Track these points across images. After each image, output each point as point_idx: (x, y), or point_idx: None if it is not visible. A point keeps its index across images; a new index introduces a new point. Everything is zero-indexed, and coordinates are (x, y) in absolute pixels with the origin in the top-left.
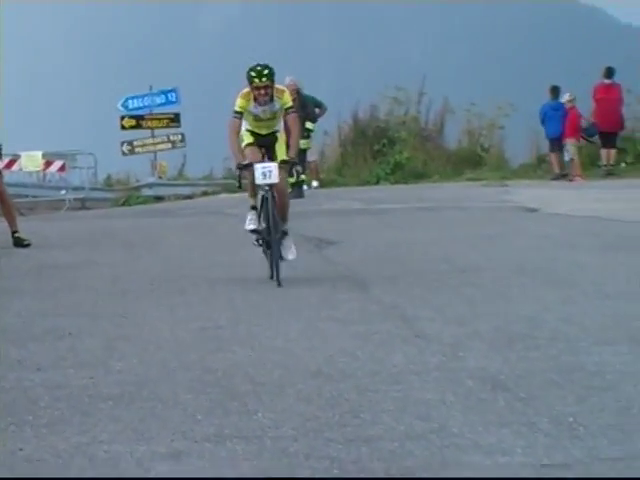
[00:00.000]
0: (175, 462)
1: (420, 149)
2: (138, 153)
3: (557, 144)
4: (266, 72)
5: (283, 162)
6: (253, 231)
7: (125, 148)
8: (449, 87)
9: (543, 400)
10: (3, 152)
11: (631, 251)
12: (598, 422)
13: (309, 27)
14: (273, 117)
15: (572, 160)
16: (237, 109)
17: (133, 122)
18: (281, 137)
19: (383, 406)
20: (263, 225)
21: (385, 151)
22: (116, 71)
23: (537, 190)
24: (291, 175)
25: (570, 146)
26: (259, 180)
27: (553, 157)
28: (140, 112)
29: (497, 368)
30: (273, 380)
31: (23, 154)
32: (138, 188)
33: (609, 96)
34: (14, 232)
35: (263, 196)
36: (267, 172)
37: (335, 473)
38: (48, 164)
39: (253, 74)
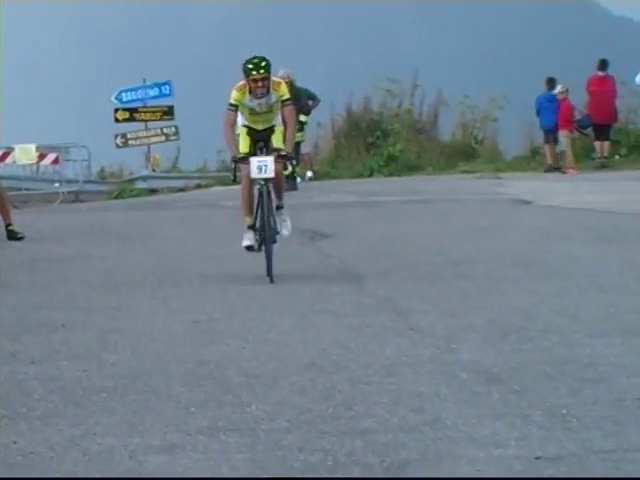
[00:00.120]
0: (169, 455)
1: (414, 141)
2: (132, 146)
3: (552, 136)
4: (263, 64)
5: (280, 157)
6: (249, 248)
7: (119, 141)
8: (443, 79)
9: (536, 392)
10: None
11: (624, 243)
12: (591, 414)
13: (303, 20)
14: (270, 111)
15: (564, 152)
16: (232, 102)
17: (127, 115)
18: (278, 129)
19: (377, 398)
20: (258, 222)
21: (379, 143)
22: (110, 64)
23: (531, 182)
24: (285, 168)
25: (563, 138)
26: (254, 174)
27: (547, 148)
28: (134, 105)
29: (491, 360)
30: (267, 372)
31: (17, 147)
32: (132, 181)
33: (603, 88)
34: (8, 225)
35: (259, 190)
36: (263, 166)
37: (329, 465)
38: (42, 157)
39: (250, 66)
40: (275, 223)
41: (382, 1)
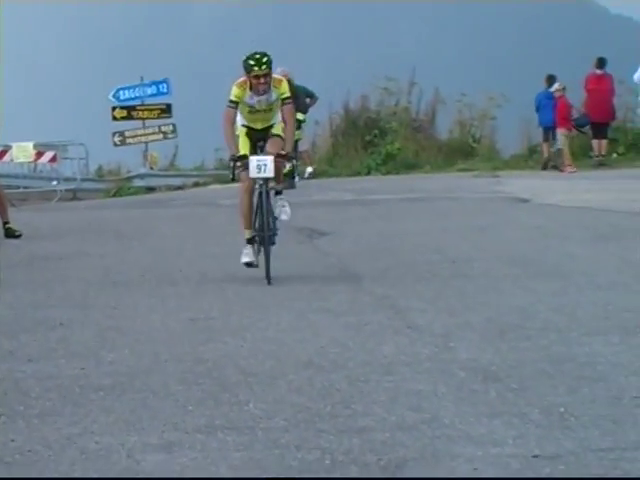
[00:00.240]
0: (166, 453)
1: (411, 140)
2: (129, 144)
3: (551, 133)
4: (265, 60)
5: (280, 156)
6: (249, 264)
7: (116, 139)
8: (440, 77)
9: (534, 391)
10: None
11: (622, 242)
12: (589, 413)
13: (300, 18)
14: (269, 109)
15: (560, 150)
16: (233, 98)
17: (124, 113)
18: (277, 125)
19: (374, 397)
20: (258, 222)
21: (376, 142)
22: (107, 62)
23: (528, 181)
24: (285, 168)
25: (560, 136)
26: (253, 173)
27: (545, 146)
28: (131, 103)
29: (488, 359)
30: (264, 371)
31: (14, 145)
32: (129, 179)
33: (600, 87)
34: (5, 223)
35: (258, 190)
36: (262, 165)
37: (326, 464)
38: (39, 155)
39: (252, 62)
40: (275, 224)
41: (380, 0)
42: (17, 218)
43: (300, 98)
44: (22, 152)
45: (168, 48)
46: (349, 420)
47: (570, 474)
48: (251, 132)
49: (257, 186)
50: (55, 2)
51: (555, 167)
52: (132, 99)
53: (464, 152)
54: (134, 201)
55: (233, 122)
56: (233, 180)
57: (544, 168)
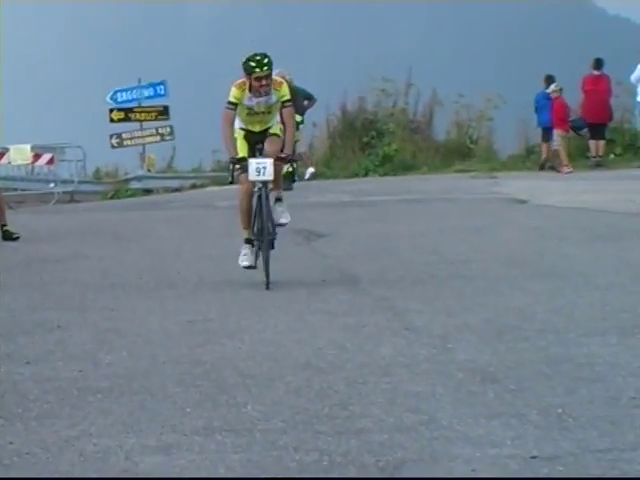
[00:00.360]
0: (165, 455)
1: (409, 141)
2: (127, 146)
3: (549, 134)
4: (266, 61)
5: (279, 159)
6: (249, 268)
7: (114, 141)
8: (438, 79)
9: (532, 392)
10: None
11: (620, 242)
12: (587, 413)
13: (297, 19)
14: (268, 111)
15: (557, 150)
16: (232, 99)
17: (122, 115)
18: (276, 125)
19: (372, 398)
20: (256, 226)
21: (374, 143)
22: (105, 64)
23: (526, 181)
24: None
25: (556, 136)
26: (253, 176)
27: (544, 147)
28: (129, 105)
29: (486, 360)
30: (262, 373)
31: (12, 147)
32: (127, 181)
33: (598, 87)
34: (3, 225)
35: (257, 194)
36: (261, 169)
37: (324, 465)
38: (37, 157)
39: (253, 64)
40: (274, 228)
41: (376, 0)
42: (15, 220)
43: (298, 100)
44: (19, 154)
45: (165, 50)
46: (347, 421)
47: (568, 475)
48: (249, 135)
49: (256, 189)
50: (52, 4)
51: (552, 168)
52: (129, 101)
53: (461, 153)
54: (132, 203)
55: (232, 124)
56: (232, 183)
57: (542, 168)
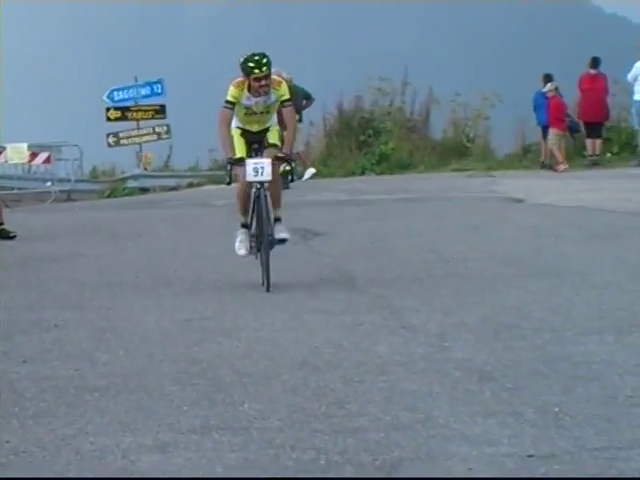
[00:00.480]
0: (161, 454)
1: (405, 140)
2: (124, 145)
3: (548, 132)
4: (265, 61)
5: (278, 158)
6: (245, 255)
7: (111, 140)
8: (434, 77)
9: (529, 390)
10: None
11: (617, 241)
12: (584, 412)
13: (294, 18)
14: (267, 111)
15: (552, 149)
16: (229, 99)
17: (118, 114)
18: (273, 128)
19: (369, 397)
20: (254, 227)
21: (370, 142)
22: (101, 62)
23: (523, 180)
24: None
25: (551, 135)
26: (250, 177)
27: (544, 145)
28: (125, 104)
29: (483, 358)
30: (259, 371)
31: (8, 146)
32: (124, 180)
33: (594, 86)
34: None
35: (255, 194)
36: (259, 168)
37: (321, 464)
38: (33, 156)
39: (252, 65)
40: (272, 229)
41: (373, 0)
42: (11, 219)
43: (297, 99)
44: (16, 153)
45: (162, 48)
46: (344, 420)
47: (565, 473)
48: (246, 133)
49: (254, 190)
50: (49, 3)
51: (550, 167)
52: (126, 100)
53: (458, 152)
54: (128, 202)
55: (229, 123)
56: (230, 184)
57: (543, 167)
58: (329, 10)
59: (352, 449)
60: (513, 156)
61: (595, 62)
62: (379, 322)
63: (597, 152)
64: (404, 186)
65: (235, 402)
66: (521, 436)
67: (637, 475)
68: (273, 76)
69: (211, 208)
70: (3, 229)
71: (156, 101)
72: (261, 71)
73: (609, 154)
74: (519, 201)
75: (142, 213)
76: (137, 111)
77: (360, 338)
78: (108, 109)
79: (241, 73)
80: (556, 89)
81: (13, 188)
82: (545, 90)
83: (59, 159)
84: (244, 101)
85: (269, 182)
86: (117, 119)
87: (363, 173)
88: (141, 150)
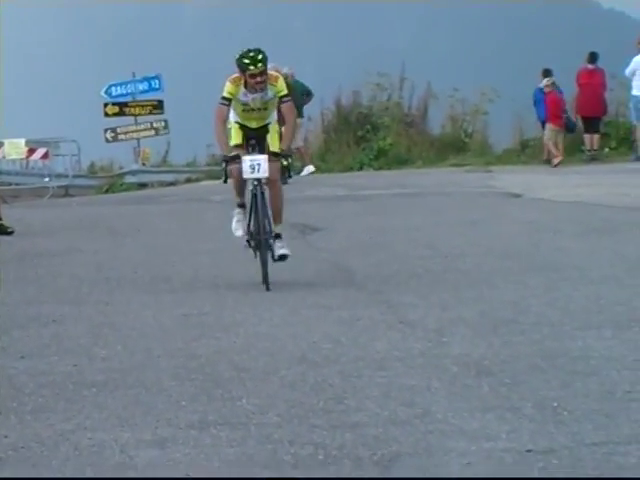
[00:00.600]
0: (160, 449)
1: (403, 135)
2: (121, 140)
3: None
4: (260, 57)
5: (274, 154)
6: (242, 237)
7: (108, 135)
8: (432, 72)
9: (527, 385)
10: None
11: (615, 236)
12: (582, 407)
13: (293, 13)
14: (265, 107)
15: (547, 144)
16: (225, 95)
17: (116, 109)
18: (273, 128)
19: (367, 392)
20: (252, 225)
21: (368, 137)
22: (99, 58)
23: (521, 175)
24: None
25: (547, 130)
26: (247, 174)
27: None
28: (123, 99)
29: (481, 353)
30: (257, 366)
31: (6, 142)
32: (122, 175)
33: (592, 81)
34: None
35: (252, 192)
36: (256, 165)
37: (320, 459)
38: (31, 151)
39: (247, 61)
40: (270, 226)
41: None
42: (9, 215)
43: (297, 95)
44: (14, 149)
45: (160, 44)
46: (342, 415)
47: (563, 468)
48: (245, 129)
49: (251, 187)
50: None
51: (548, 161)
52: (124, 95)
53: (456, 147)
54: (126, 197)
55: (225, 120)
56: (225, 182)
57: (545, 162)
58: (327, 5)
59: (350, 444)
60: (511, 151)
61: (593, 57)
62: (377, 317)
63: (595, 147)
64: (402, 181)
65: (233, 397)
66: (519, 431)
67: (635, 470)
68: (270, 71)
69: (209, 203)
70: (1, 224)
71: (154, 96)
72: (256, 67)
73: (607, 149)
74: (517, 196)
75: (140, 208)
76: (135, 106)
77: (358, 333)
78: (106, 104)
79: (237, 69)
80: (553, 84)
81: (11, 184)
82: (541, 85)
83: (57, 155)
84: (241, 97)
85: (267, 179)
86: (115, 114)
87: (361, 168)
88: (139, 145)
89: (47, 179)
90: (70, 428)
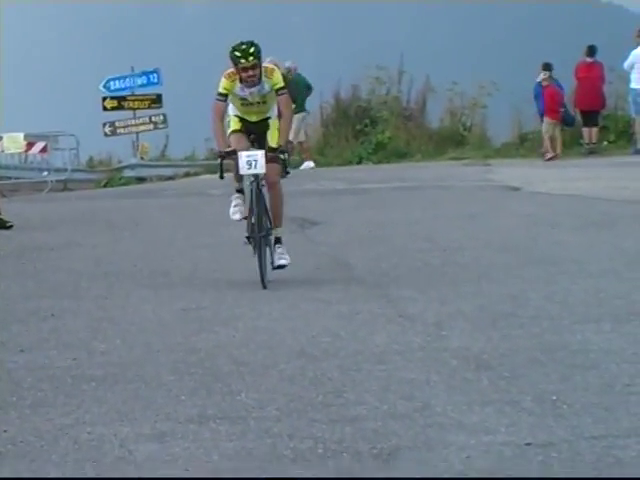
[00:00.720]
0: (159, 443)
1: (402, 129)
2: (120, 134)
3: None
4: (252, 50)
5: (270, 150)
6: (240, 220)
7: (107, 129)
8: (431, 66)
9: (527, 379)
10: None
11: (614, 229)
12: (582, 400)
13: (292, 7)
14: (263, 101)
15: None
16: (221, 91)
17: (115, 103)
18: (273, 124)
19: (366, 386)
20: (251, 222)
21: (367, 131)
22: (98, 52)
23: (519, 169)
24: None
25: (544, 124)
26: (243, 170)
27: None
28: (122, 93)
29: (480, 347)
30: (256, 360)
31: (4, 136)
32: (120, 169)
33: (591, 74)
34: None
35: (249, 188)
36: (252, 161)
37: (319, 453)
38: (30, 145)
39: (238, 54)
40: (270, 223)
41: None
42: (8, 209)
43: (300, 90)
44: (13, 143)
45: (159, 38)
46: (341, 409)
47: (563, 462)
48: (245, 122)
49: (248, 183)
50: None
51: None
52: (122, 89)
53: (455, 141)
54: (125, 191)
55: (222, 117)
56: (222, 179)
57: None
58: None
59: (349, 438)
60: (510, 145)
61: (591, 50)
62: (376, 311)
63: (594, 140)
64: (401, 175)
65: (233, 391)
66: (518, 424)
67: (634, 463)
68: (266, 65)
69: (208, 197)
70: (0, 219)
71: (153, 90)
72: (247, 61)
73: (606, 142)
74: (516, 189)
75: (139, 202)
76: (134, 100)
77: (357, 327)
78: (104, 98)
79: (231, 63)
80: (550, 78)
81: (10, 178)
82: (538, 80)
83: (56, 149)
84: (238, 92)
85: (266, 181)
86: (113, 108)
87: (360, 162)
88: (138, 140)
89: (46, 173)
90: (69, 422)
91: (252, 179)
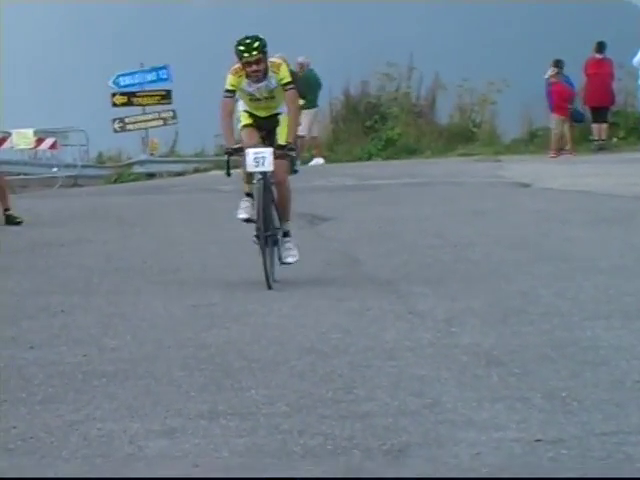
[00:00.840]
0: (169, 439)
1: (412, 125)
2: (130, 130)
3: None
4: (256, 44)
5: (279, 147)
6: (247, 220)
7: (117, 125)
8: (441, 62)
9: (537, 375)
10: None
11: (624, 226)
12: (592, 397)
13: (300, 3)
14: (271, 97)
15: (556, 134)
16: (228, 87)
17: (124, 99)
18: (284, 120)
19: (377, 382)
20: (258, 222)
21: (377, 127)
22: (107, 48)
23: (529, 165)
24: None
25: (552, 121)
26: (251, 167)
27: None
28: (131, 89)
29: (491, 343)
30: (267, 357)
31: (14, 132)
32: (130, 165)
33: (600, 71)
34: (6, 210)
35: (257, 187)
36: (260, 159)
37: (329, 449)
38: (39, 142)
39: (242, 48)
40: (280, 222)
41: None
42: (18, 205)
43: (312, 86)
44: (22, 139)
45: (168, 34)
46: (351, 405)
47: (573, 458)
48: (255, 117)
49: (255, 181)
50: None
51: (562, 150)
52: (132, 85)
53: (464, 137)
54: (135, 187)
55: (230, 113)
56: (229, 176)
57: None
58: None
59: (360, 434)
60: (520, 141)
61: (601, 47)
62: (386, 307)
63: (603, 137)
64: (411, 171)
65: (243, 388)
66: (529, 421)
67: None
68: (272, 59)
69: (218, 193)
70: (10, 215)
71: (162, 86)
72: (251, 55)
73: (615, 139)
74: (526, 186)
75: (149, 199)
76: (143, 96)
77: (367, 323)
78: (114, 94)
79: (236, 58)
80: (558, 74)
81: (19, 174)
82: (546, 76)
83: (65, 145)
84: (246, 88)
85: (274, 180)
86: (123, 104)
87: (370, 158)
88: (147, 136)
89: (55, 169)
90: (79, 418)
91: (260, 177)
